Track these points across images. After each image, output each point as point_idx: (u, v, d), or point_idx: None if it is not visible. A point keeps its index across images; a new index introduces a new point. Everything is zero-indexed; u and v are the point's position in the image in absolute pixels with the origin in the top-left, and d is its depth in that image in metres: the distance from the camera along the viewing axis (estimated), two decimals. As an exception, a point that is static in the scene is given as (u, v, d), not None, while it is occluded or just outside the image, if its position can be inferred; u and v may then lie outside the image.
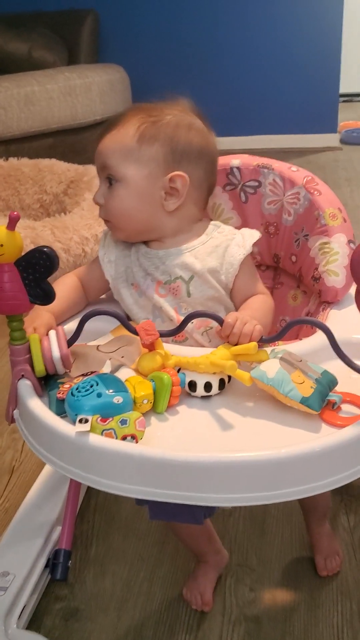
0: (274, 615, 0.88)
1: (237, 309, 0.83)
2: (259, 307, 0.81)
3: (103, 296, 0.91)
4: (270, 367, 0.66)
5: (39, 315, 0.76)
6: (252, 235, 0.84)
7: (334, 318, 0.82)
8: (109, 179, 0.81)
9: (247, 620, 0.87)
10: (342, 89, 3.70)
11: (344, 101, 4.72)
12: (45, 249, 0.61)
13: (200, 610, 0.88)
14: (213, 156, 0.86)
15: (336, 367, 0.67)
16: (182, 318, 0.73)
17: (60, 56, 3.20)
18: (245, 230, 0.86)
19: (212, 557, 0.90)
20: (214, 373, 0.67)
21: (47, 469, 1.04)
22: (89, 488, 1.11)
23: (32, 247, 0.63)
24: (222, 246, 0.83)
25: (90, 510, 1.07)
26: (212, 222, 0.87)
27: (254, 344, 0.68)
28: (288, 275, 1.00)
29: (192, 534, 0.87)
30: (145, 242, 0.85)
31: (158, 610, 0.89)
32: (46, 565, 0.88)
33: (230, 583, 0.93)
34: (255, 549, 0.98)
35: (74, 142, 2.96)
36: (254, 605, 0.89)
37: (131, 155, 0.79)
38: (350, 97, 5.35)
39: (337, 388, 0.68)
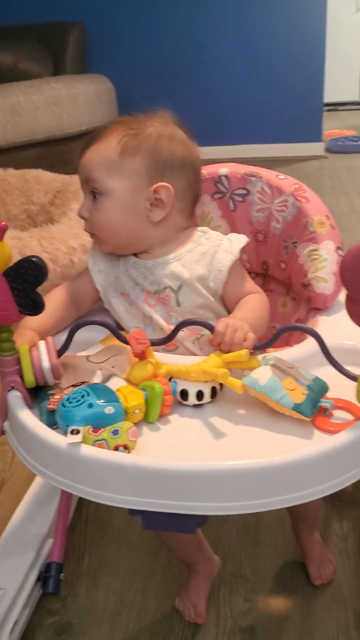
0: (269, 625, 0.87)
1: (230, 312, 0.83)
2: (252, 307, 0.81)
3: (94, 307, 0.91)
4: (262, 375, 0.66)
5: (22, 334, 0.75)
6: (239, 240, 0.85)
7: (323, 324, 0.82)
8: (93, 193, 0.81)
9: (241, 631, 0.86)
10: (326, 98, 3.74)
11: (328, 110, 4.78)
12: (34, 259, 0.61)
13: (193, 622, 0.87)
14: (196, 165, 0.87)
15: (327, 373, 0.68)
16: (172, 327, 0.73)
17: (46, 67, 3.21)
18: (232, 236, 0.86)
19: (203, 565, 0.89)
20: (206, 381, 0.67)
21: (37, 481, 1.03)
22: (80, 499, 1.10)
23: (19, 257, 0.62)
24: (209, 253, 0.83)
25: (82, 521, 1.06)
26: (199, 229, 0.87)
27: (245, 351, 0.68)
28: (277, 282, 1.00)
29: (182, 543, 0.86)
30: (134, 253, 0.85)
31: (152, 623, 0.88)
32: (38, 579, 0.87)
33: (224, 593, 0.92)
34: (249, 558, 0.98)
35: (60, 152, 2.96)
36: (248, 615, 0.89)
37: (114, 169, 0.79)
38: (335, 106, 5.42)
39: (329, 394, 0.68)
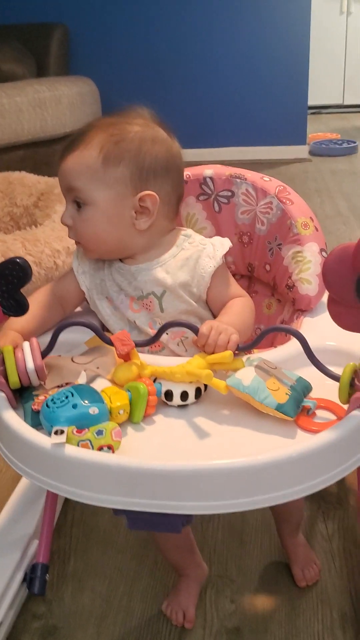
0: (255, 626, 0.88)
1: (216, 317, 0.83)
2: (238, 310, 0.82)
3: (79, 308, 0.91)
4: (246, 375, 0.66)
5: (6, 335, 0.75)
6: (222, 245, 0.85)
7: (307, 325, 0.83)
8: (77, 202, 0.80)
9: (227, 632, 0.87)
10: (310, 101, 3.77)
11: (312, 113, 4.81)
12: (18, 260, 0.61)
13: (182, 626, 0.87)
14: (179, 166, 0.85)
15: (311, 373, 0.69)
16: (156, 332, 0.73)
17: (29, 69, 3.20)
18: (216, 240, 0.86)
19: (193, 570, 0.90)
20: (190, 382, 0.68)
21: (23, 482, 1.03)
22: (66, 502, 1.10)
23: (2, 260, 0.63)
24: (192, 258, 0.83)
25: (68, 524, 1.06)
26: (182, 233, 0.86)
27: (229, 352, 0.69)
28: (262, 284, 1.01)
29: (176, 546, 0.87)
30: (119, 258, 0.86)
31: (138, 626, 0.89)
32: (23, 580, 0.87)
33: (210, 595, 0.93)
34: (235, 559, 0.98)
35: (44, 154, 2.95)
36: (234, 616, 0.89)
37: (97, 179, 0.78)
38: (319, 109, 5.46)
39: (312, 394, 0.69)
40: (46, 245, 1.80)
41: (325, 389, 0.69)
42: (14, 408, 0.68)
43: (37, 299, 0.84)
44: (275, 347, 0.81)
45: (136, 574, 0.97)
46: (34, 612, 0.91)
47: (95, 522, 1.07)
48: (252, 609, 0.91)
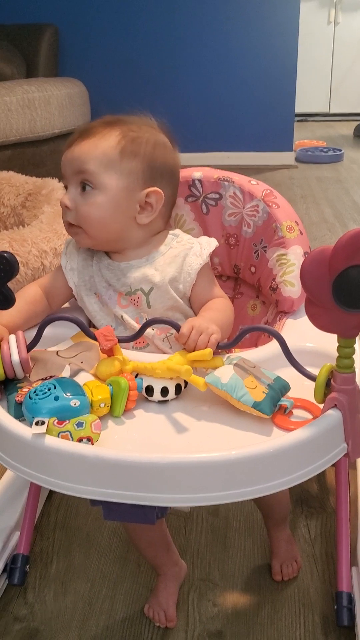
0: (237, 629, 0.88)
1: (196, 314, 0.86)
2: (219, 308, 0.85)
3: (67, 304, 0.94)
4: (225, 373, 0.69)
5: None
6: (209, 244, 0.88)
7: (289, 327, 0.86)
8: (84, 185, 0.82)
9: (210, 636, 0.88)
10: (297, 109, 3.82)
11: (298, 121, 4.85)
12: (5, 254, 0.64)
13: (164, 627, 0.87)
14: (179, 174, 0.92)
15: (290, 373, 0.71)
16: (142, 327, 0.77)
17: (18, 69, 3.20)
18: (203, 239, 0.89)
19: (170, 568, 0.92)
20: (171, 378, 0.71)
21: (7, 475, 1.05)
22: (49, 504, 1.09)
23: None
24: (180, 256, 0.86)
25: (51, 526, 1.06)
26: (170, 232, 0.90)
27: (209, 350, 0.72)
28: (248, 285, 1.03)
29: (150, 542, 0.89)
30: (107, 253, 0.89)
31: (120, 629, 0.89)
32: (4, 570, 0.89)
33: (193, 598, 0.93)
34: (218, 562, 0.99)
35: (32, 154, 2.94)
36: (217, 620, 0.90)
37: (112, 166, 0.82)
38: (305, 117, 5.52)
39: (290, 394, 0.72)
40: (33, 245, 1.79)
41: (303, 389, 0.71)
42: None
43: (24, 294, 0.87)
44: (258, 347, 0.83)
45: (119, 576, 0.97)
46: (15, 615, 0.91)
47: (78, 525, 1.07)
48: (234, 613, 0.91)
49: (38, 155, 2.93)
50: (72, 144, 0.84)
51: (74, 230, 0.86)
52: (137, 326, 0.83)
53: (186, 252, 0.86)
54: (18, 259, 1.72)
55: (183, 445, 0.65)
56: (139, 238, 0.86)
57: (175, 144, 0.90)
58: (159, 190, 0.84)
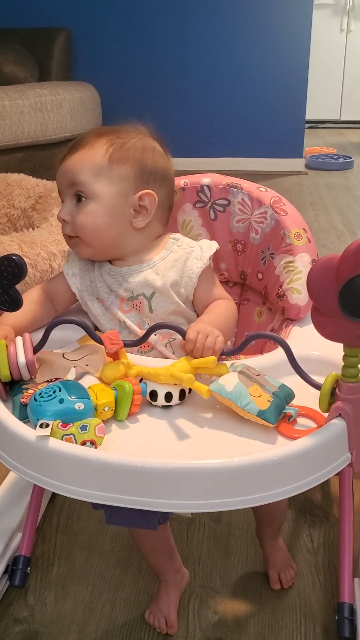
0: (237, 638, 0.89)
1: (199, 316, 0.86)
2: (221, 311, 0.85)
3: (72, 306, 0.94)
4: (229, 381, 0.69)
5: None
6: (210, 247, 0.88)
7: (295, 334, 0.86)
8: (78, 196, 0.84)
9: (210, 643, 0.86)
10: (308, 116, 3.82)
11: (309, 127, 4.84)
12: (13, 257, 0.65)
13: (164, 633, 0.87)
14: (172, 178, 0.92)
15: (295, 381, 0.71)
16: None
17: (31, 72, 3.22)
18: (203, 242, 0.89)
19: (172, 575, 0.91)
20: (175, 384, 0.70)
21: (10, 478, 1.05)
22: (51, 507, 1.08)
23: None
24: (181, 260, 0.86)
25: (53, 529, 1.06)
26: (171, 237, 0.90)
27: (213, 358, 0.71)
28: (254, 292, 1.03)
29: (154, 548, 0.88)
30: (110, 259, 0.89)
31: (120, 634, 0.88)
32: (5, 571, 0.89)
33: (193, 605, 0.92)
34: (219, 570, 0.99)
35: (43, 157, 2.96)
36: (217, 627, 0.89)
37: (102, 174, 0.83)
38: (316, 123, 5.51)
39: (295, 402, 0.71)
40: (42, 247, 1.80)
41: (308, 397, 0.71)
42: (4, 400, 0.70)
43: (30, 296, 0.88)
44: (263, 354, 0.83)
45: (119, 581, 0.96)
46: (15, 617, 0.91)
47: (80, 528, 1.06)
48: (235, 621, 0.90)
49: (49, 158, 2.94)
50: (64, 159, 0.85)
51: (73, 241, 0.87)
52: (140, 331, 0.84)
53: (187, 255, 0.86)
54: (27, 261, 1.72)
55: (186, 451, 0.65)
56: (138, 243, 0.86)
57: (166, 148, 0.90)
58: (152, 192, 0.85)
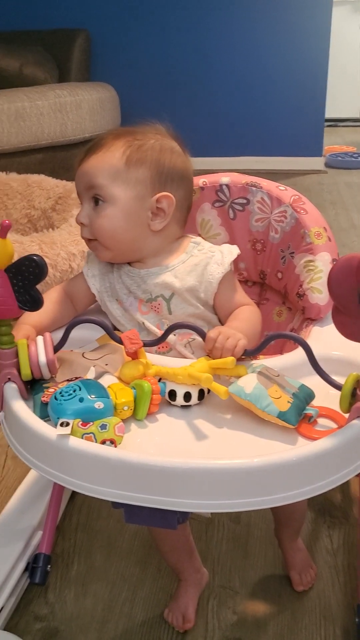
0: (257, 638, 0.89)
1: (223, 323, 0.86)
2: (246, 317, 0.84)
3: (92, 306, 0.94)
4: (248, 382, 0.68)
5: (20, 329, 0.80)
6: (231, 252, 0.87)
7: (315, 334, 0.85)
8: (96, 199, 0.84)
9: (229, 643, 0.85)
10: (327, 114, 3.79)
11: (328, 126, 4.80)
12: (34, 257, 0.65)
13: (183, 632, 0.89)
14: (191, 178, 0.92)
15: (315, 381, 0.70)
16: (164, 333, 0.77)
17: (51, 74, 3.24)
18: (224, 247, 0.89)
19: (191, 575, 0.91)
20: (194, 384, 0.70)
21: (30, 476, 1.06)
22: (71, 505, 1.09)
23: (19, 260, 0.68)
24: (201, 264, 0.86)
25: (72, 528, 1.07)
26: (192, 240, 0.90)
27: (231, 358, 0.71)
28: (274, 291, 1.02)
29: (173, 547, 0.88)
30: (129, 261, 0.89)
31: (139, 633, 0.89)
32: (25, 569, 0.90)
33: (212, 605, 0.92)
34: (239, 570, 0.98)
35: (63, 158, 2.98)
36: (236, 628, 0.89)
37: (119, 177, 0.83)
38: (335, 122, 5.47)
39: (315, 402, 0.71)
40: (62, 248, 1.82)
41: (328, 398, 0.71)
42: (25, 399, 0.71)
43: (50, 296, 0.88)
44: (283, 354, 0.82)
45: (139, 580, 0.97)
46: (36, 614, 0.91)
47: (99, 527, 1.07)
48: (254, 621, 0.90)
49: (69, 159, 2.96)
50: (81, 161, 0.85)
51: (92, 244, 0.87)
52: (159, 332, 0.84)
53: (207, 260, 0.85)
54: (47, 261, 1.74)
55: (205, 451, 0.65)
56: (156, 245, 0.86)
57: (185, 148, 0.89)
58: (169, 194, 0.84)
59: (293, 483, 0.61)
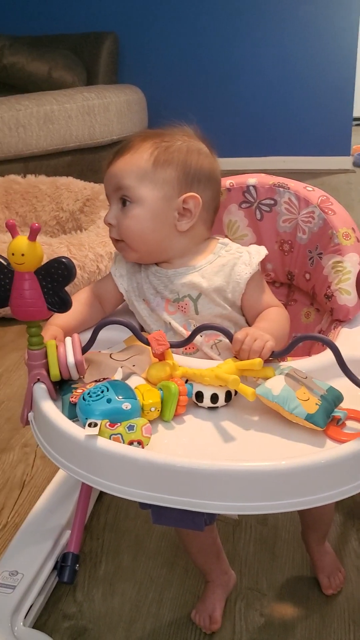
0: None
1: (250, 324, 0.86)
2: (274, 318, 0.84)
3: (119, 307, 0.95)
4: (276, 384, 0.68)
5: (49, 330, 0.81)
6: (259, 253, 0.87)
7: (344, 336, 0.84)
8: (124, 200, 0.85)
9: (256, 646, 0.85)
10: (356, 113, 3.75)
11: (356, 125, 4.74)
12: (63, 259, 0.66)
13: (210, 633, 0.88)
14: (219, 179, 0.92)
15: (343, 383, 0.70)
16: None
17: (79, 77, 3.27)
18: (252, 248, 0.89)
19: (219, 576, 0.91)
20: (220, 385, 0.70)
21: (59, 475, 1.07)
22: (99, 505, 1.10)
23: (48, 262, 0.69)
24: (228, 265, 0.86)
25: (100, 527, 1.07)
26: (220, 241, 0.90)
27: (259, 360, 0.71)
28: (302, 292, 1.01)
29: (201, 549, 0.88)
30: (157, 262, 0.89)
31: (166, 633, 0.89)
32: (54, 568, 0.91)
33: (240, 607, 0.92)
34: (266, 572, 0.98)
35: (91, 160, 3.01)
36: (263, 630, 0.89)
37: (146, 178, 0.83)
38: (363, 120, 5.36)
39: (344, 404, 0.70)
40: (90, 249, 1.83)
41: (356, 400, 0.70)
42: (54, 400, 0.72)
43: (79, 297, 0.89)
44: (311, 356, 0.82)
45: (166, 581, 0.97)
46: (64, 612, 0.92)
47: (127, 527, 1.07)
48: (281, 624, 0.90)
49: (97, 161, 2.99)
50: (110, 163, 0.86)
51: (120, 245, 0.88)
52: (185, 332, 0.84)
53: (235, 261, 0.86)
54: (75, 262, 1.76)
55: (233, 453, 0.65)
56: (183, 246, 0.87)
57: (212, 149, 0.90)
58: (196, 195, 0.84)
59: (321, 486, 0.61)
